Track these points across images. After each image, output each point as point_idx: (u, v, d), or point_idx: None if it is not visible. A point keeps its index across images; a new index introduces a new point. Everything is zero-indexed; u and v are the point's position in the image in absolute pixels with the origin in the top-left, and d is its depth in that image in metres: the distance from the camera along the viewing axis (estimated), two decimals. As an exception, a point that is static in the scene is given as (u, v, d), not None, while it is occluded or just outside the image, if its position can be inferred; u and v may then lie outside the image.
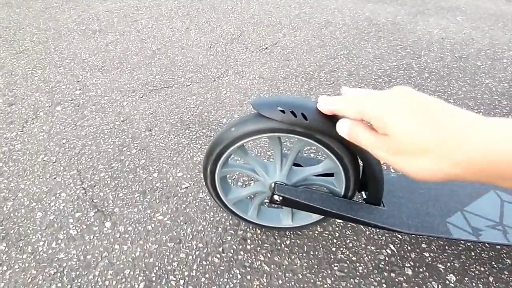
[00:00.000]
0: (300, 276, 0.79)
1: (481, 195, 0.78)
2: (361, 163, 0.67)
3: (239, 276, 0.79)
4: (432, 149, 0.30)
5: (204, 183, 1.02)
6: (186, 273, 0.81)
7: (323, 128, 0.61)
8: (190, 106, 1.39)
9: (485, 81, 1.52)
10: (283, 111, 0.61)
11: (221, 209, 0.91)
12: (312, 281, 0.78)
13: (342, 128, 0.40)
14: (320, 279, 0.79)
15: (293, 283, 0.78)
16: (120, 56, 1.78)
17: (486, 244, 0.85)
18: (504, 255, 0.82)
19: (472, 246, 0.84)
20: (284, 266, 0.81)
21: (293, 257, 0.83)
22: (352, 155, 0.67)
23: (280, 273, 0.80)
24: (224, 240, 0.87)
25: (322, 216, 0.79)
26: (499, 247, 0.84)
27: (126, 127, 1.28)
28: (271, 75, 1.58)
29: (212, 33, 2.00)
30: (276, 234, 0.88)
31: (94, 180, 1.06)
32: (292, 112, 0.61)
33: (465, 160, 0.29)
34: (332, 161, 0.67)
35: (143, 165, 1.11)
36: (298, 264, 0.82)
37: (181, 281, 0.79)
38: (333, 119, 0.63)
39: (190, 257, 0.84)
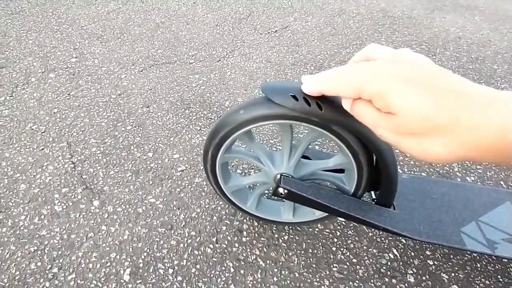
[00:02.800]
0: (297, 275, 0.74)
1: (497, 206, 0.73)
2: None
3: (232, 270, 0.75)
4: (442, 129, 0.28)
5: (202, 168, 0.97)
6: (176, 262, 0.75)
7: (339, 119, 0.55)
8: (192, 85, 1.31)
9: (501, 85, 1.46)
10: (296, 98, 0.55)
11: (218, 196, 0.86)
12: (309, 281, 0.74)
13: (346, 102, 0.36)
14: (317, 279, 0.74)
15: (288, 281, 0.73)
16: (121, 26, 1.68)
17: (493, 257, 0.81)
18: (511, 269, 0.78)
19: (478, 258, 0.80)
20: (281, 263, 0.76)
21: (290, 254, 0.78)
22: (368, 151, 0.61)
23: (275, 270, 0.75)
24: (219, 230, 0.82)
25: (325, 214, 0.74)
26: (505, 260, 0.80)
27: (122, 102, 1.20)
28: (279, 59, 1.50)
29: (220, 10, 1.90)
30: (274, 228, 0.83)
31: (84, 154, 1.00)
32: (306, 100, 0.55)
33: (479, 141, 0.26)
34: (346, 156, 0.62)
35: (138, 143, 1.05)
36: (296, 262, 0.77)
37: (170, 270, 0.74)
38: None
39: (182, 245, 0.79)
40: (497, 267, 0.79)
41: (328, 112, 0.54)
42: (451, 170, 1.03)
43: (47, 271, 0.73)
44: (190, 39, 1.61)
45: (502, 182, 1.01)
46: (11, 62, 1.37)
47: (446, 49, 1.70)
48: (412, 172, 1.01)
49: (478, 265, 0.79)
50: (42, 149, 1.01)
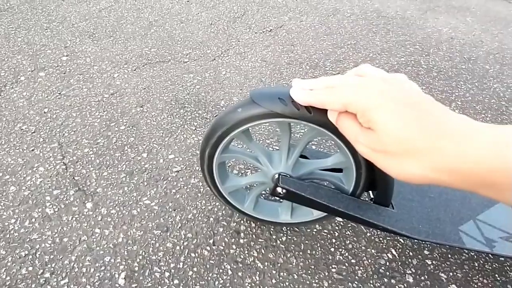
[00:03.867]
0: (296, 276, 0.74)
1: (494, 204, 0.74)
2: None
3: (229, 272, 0.73)
4: (417, 152, 0.29)
5: (199, 168, 0.95)
6: (172, 265, 0.74)
7: (328, 122, 0.54)
8: (186, 84, 1.29)
9: (493, 85, 1.48)
10: (284, 102, 0.54)
11: (215, 197, 0.84)
12: (308, 282, 0.73)
13: (331, 116, 0.38)
14: (316, 280, 0.73)
15: (287, 283, 0.72)
16: (113, 24, 1.65)
17: (490, 255, 0.81)
18: (508, 268, 0.79)
19: (475, 257, 0.80)
20: (279, 265, 0.75)
21: (288, 255, 0.77)
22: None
23: (274, 272, 0.74)
24: (216, 232, 0.81)
25: (324, 214, 0.73)
26: (502, 259, 0.81)
27: (115, 101, 1.18)
28: (274, 59, 1.50)
29: (214, 9, 1.88)
30: (272, 229, 0.82)
31: (76, 155, 0.97)
32: (294, 104, 0.54)
33: (450, 167, 0.28)
34: (344, 155, 0.61)
35: (132, 143, 1.02)
36: (294, 263, 0.76)
37: (166, 273, 0.72)
38: None
39: (178, 247, 0.77)
40: (494, 265, 0.79)
41: (317, 115, 0.53)
42: (446, 169, 1.04)
43: (38, 276, 0.70)
44: (184, 37, 1.59)
45: (496, 181, 1.02)
46: (-1, 61, 1.33)
47: (439, 49, 1.72)
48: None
49: (476, 264, 0.79)
50: (33, 150, 0.98)
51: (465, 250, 0.81)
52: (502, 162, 0.25)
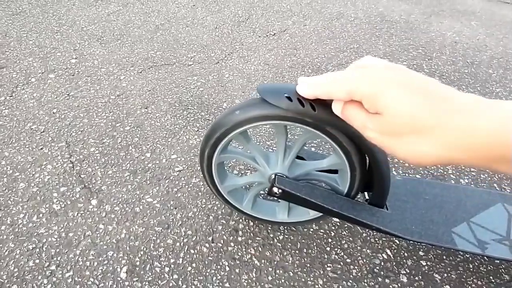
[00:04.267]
0: (291, 274, 0.76)
1: (488, 207, 0.75)
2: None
3: (227, 269, 0.76)
4: (429, 130, 0.28)
5: (199, 168, 0.98)
6: (172, 260, 0.76)
7: (332, 120, 0.56)
8: (190, 86, 1.33)
9: (496, 89, 1.48)
10: (290, 99, 0.56)
11: (215, 196, 0.87)
12: (303, 280, 0.75)
13: (337, 106, 0.38)
14: (311, 278, 0.75)
15: (283, 280, 0.74)
16: (121, 27, 1.69)
17: (485, 257, 0.82)
18: (503, 270, 0.80)
19: (470, 258, 0.81)
20: (275, 262, 0.78)
21: (285, 253, 0.79)
22: (360, 152, 0.62)
23: (270, 269, 0.76)
24: (215, 230, 0.83)
25: (320, 214, 0.75)
26: (497, 261, 0.82)
27: (121, 102, 1.22)
28: (277, 62, 1.52)
29: (219, 13, 1.92)
30: (269, 228, 0.84)
31: (83, 154, 1.01)
32: (300, 101, 0.56)
33: (462, 143, 0.27)
34: (339, 156, 0.63)
35: (136, 143, 1.06)
36: (290, 261, 0.78)
37: (166, 268, 0.75)
38: None
39: (178, 244, 0.80)
40: (489, 268, 0.80)
41: (321, 113, 0.55)
42: (445, 173, 1.04)
43: (45, 269, 0.73)
44: (189, 41, 1.63)
45: (495, 185, 1.02)
46: (11, 62, 1.39)
47: (443, 53, 1.72)
48: (406, 174, 1.02)
49: (471, 266, 0.80)
50: (41, 148, 1.02)
51: (459, 252, 0.82)
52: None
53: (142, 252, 0.78)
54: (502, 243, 0.66)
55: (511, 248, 0.66)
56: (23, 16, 1.74)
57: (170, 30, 1.71)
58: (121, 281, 0.72)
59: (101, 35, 1.62)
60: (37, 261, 0.75)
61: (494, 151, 0.26)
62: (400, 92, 0.29)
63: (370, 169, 0.64)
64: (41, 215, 0.84)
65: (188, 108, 1.21)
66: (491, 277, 0.78)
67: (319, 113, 0.56)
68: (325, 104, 0.57)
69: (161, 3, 1.97)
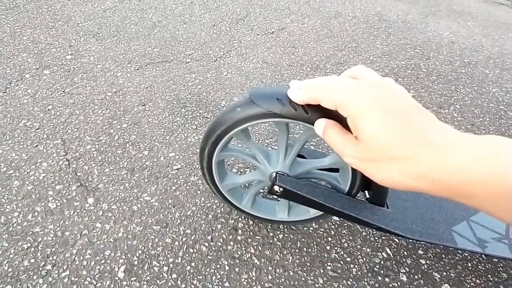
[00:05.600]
0: (291, 273, 0.75)
1: (488, 206, 0.75)
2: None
3: (227, 268, 0.75)
4: (402, 160, 0.30)
5: (199, 166, 0.97)
6: (170, 260, 0.75)
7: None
8: (188, 84, 1.31)
9: (492, 89, 1.49)
10: (282, 103, 0.56)
11: (214, 195, 0.86)
12: (303, 279, 0.74)
13: (318, 128, 0.39)
14: (311, 277, 0.75)
15: (283, 279, 0.74)
16: (117, 24, 1.67)
17: (483, 256, 0.83)
18: (501, 268, 0.80)
19: (469, 257, 0.82)
20: (275, 261, 0.77)
21: (285, 252, 0.79)
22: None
23: (270, 268, 0.76)
24: (214, 228, 0.82)
25: (320, 213, 0.75)
26: (495, 260, 0.82)
27: (118, 99, 1.20)
28: (275, 60, 1.51)
29: (217, 10, 1.90)
30: (269, 227, 0.84)
31: (79, 152, 0.99)
32: (292, 105, 0.55)
33: (429, 175, 0.28)
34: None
35: (134, 141, 1.04)
36: (290, 260, 0.77)
37: (165, 268, 0.74)
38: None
39: (177, 243, 0.79)
40: (487, 266, 0.80)
41: (314, 116, 0.54)
42: (443, 172, 1.05)
43: (40, 268, 0.72)
44: (187, 38, 1.61)
45: (492, 184, 1.03)
46: (4, 58, 1.36)
47: (440, 53, 1.73)
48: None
49: (469, 265, 0.80)
50: (36, 146, 1.00)
51: (458, 250, 0.82)
52: (480, 174, 0.26)
53: (140, 251, 0.77)
54: (502, 241, 0.67)
55: (510, 246, 0.66)
56: (17, 11, 1.71)
57: (168, 27, 1.69)
58: (119, 281, 0.71)
59: (97, 31, 1.60)
60: (32, 260, 0.74)
61: (460, 188, 0.27)
62: (381, 119, 0.30)
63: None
64: (36, 213, 0.82)
65: (186, 106, 1.20)
66: (489, 276, 0.78)
67: (311, 116, 0.55)
68: (318, 107, 0.56)
69: (158, 0, 1.95)
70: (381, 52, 1.68)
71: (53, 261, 0.74)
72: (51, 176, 0.91)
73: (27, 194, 0.86)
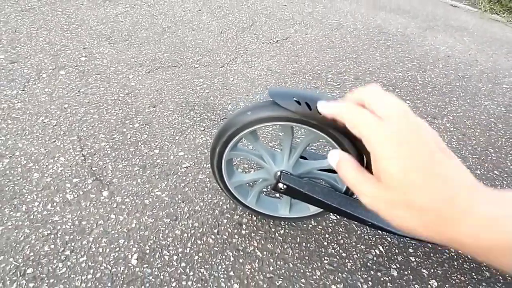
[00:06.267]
0: (291, 265, 0.81)
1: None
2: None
3: (232, 259, 0.81)
4: (420, 211, 0.28)
5: (206, 165, 1.03)
6: (180, 250, 0.82)
7: (336, 123, 0.63)
8: (196, 88, 1.39)
9: (484, 102, 1.57)
10: (298, 103, 0.63)
11: (222, 191, 0.92)
12: (302, 271, 0.81)
13: (332, 160, 0.37)
14: (309, 270, 0.81)
15: (283, 270, 0.80)
16: (129, 28, 1.75)
17: (468, 256, 0.89)
18: (484, 267, 0.87)
19: (455, 256, 0.88)
20: (276, 254, 0.83)
21: (285, 246, 0.85)
22: (359, 154, 0.69)
23: (271, 260, 0.82)
24: (220, 223, 0.89)
25: (319, 211, 0.81)
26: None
27: (130, 100, 1.27)
28: (279, 68, 1.59)
29: (224, 18, 1.99)
30: (271, 223, 0.90)
31: (94, 148, 1.06)
32: (307, 104, 0.63)
33: (452, 235, 0.28)
34: (339, 157, 0.69)
35: (145, 140, 1.11)
36: (290, 254, 0.84)
37: (175, 257, 0.80)
38: None
39: (185, 234, 0.85)
40: (472, 265, 0.87)
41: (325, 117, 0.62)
42: (434, 178, 1.12)
43: (60, 253, 0.78)
44: (195, 44, 1.69)
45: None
46: (22, 58, 1.43)
47: (436, 66, 1.82)
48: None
49: (455, 263, 0.87)
50: (54, 141, 1.06)
51: (445, 249, 0.89)
52: (496, 243, 0.25)
53: (151, 241, 0.83)
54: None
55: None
56: (33, 13, 1.78)
57: (177, 33, 1.77)
58: (132, 267, 0.77)
59: (110, 35, 1.67)
60: (52, 246, 0.80)
61: (475, 250, 0.27)
62: (405, 162, 0.29)
63: (368, 168, 0.70)
64: (55, 203, 0.89)
65: (194, 109, 1.27)
66: (473, 274, 0.85)
67: (324, 117, 0.62)
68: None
69: (168, 6, 2.03)
70: (380, 64, 1.77)
71: (72, 247, 0.80)
72: (68, 170, 0.98)
73: (46, 186, 0.93)
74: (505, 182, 1.15)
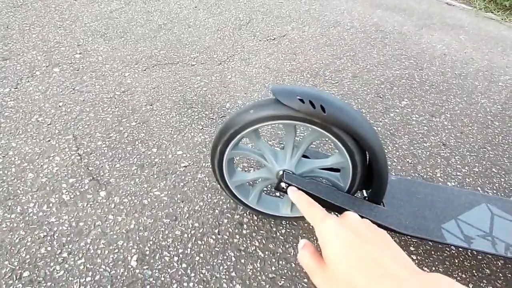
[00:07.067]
0: (293, 265, 0.81)
1: (474, 206, 0.82)
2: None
3: (233, 259, 0.80)
4: None
5: (205, 164, 1.02)
6: (180, 250, 0.80)
7: (340, 120, 0.62)
8: (194, 86, 1.37)
9: (481, 100, 1.58)
10: (302, 101, 0.62)
11: (221, 191, 0.91)
12: (304, 270, 0.80)
13: (299, 245, 0.40)
14: (312, 269, 0.80)
15: (285, 270, 0.79)
16: (124, 25, 1.72)
17: (469, 253, 0.89)
18: (484, 265, 0.87)
19: (456, 254, 0.88)
20: (278, 254, 0.82)
21: (287, 246, 0.84)
22: (362, 152, 0.68)
23: (273, 260, 0.81)
24: (221, 223, 0.88)
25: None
26: (480, 257, 0.89)
27: (126, 98, 1.25)
28: (277, 66, 1.58)
29: (220, 15, 1.96)
30: (272, 222, 0.89)
31: (90, 147, 1.03)
32: (311, 103, 0.62)
33: None
34: (343, 156, 0.68)
35: (142, 138, 1.09)
36: (292, 253, 0.83)
37: (175, 258, 0.79)
38: (350, 114, 0.65)
39: (186, 235, 0.84)
40: (472, 263, 0.87)
41: (330, 114, 0.61)
42: (434, 176, 1.12)
43: (57, 256, 0.76)
44: (192, 42, 1.67)
45: (479, 188, 1.10)
46: (14, 55, 1.39)
47: (433, 64, 1.82)
48: (398, 175, 1.09)
49: (456, 261, 0.87)
50: (49, 140, 1.04)
51: (446, 247, 0.89)
52: None
53: (151, 242, 0.81)
54: (486, 238, 0.73)
55: (493, 243, 0.73)
56: (25, 9, 1.74)
57: (173, 30, 1.74)
58: (132, 269, 0.76)
59: (105, 31, 1.64)
60: (49, 248, 0.78)
61: None
62: (340, 246, 0.32)
63: (370, 167, 0.69)
64: (51, 204, 0.86)
65: (192, 107, 1.25)
66: (474, 271, 0.85)
67: (328, 115, 0.62)
68: (334, 106, 0.63)
69: (164, 3, 2.00)
70: (377, 62, 1.76)
71: (69, 249, 0.78)
72: (64, 170, 0.96)
73: (42, 186, 0.90)
74: (502, 180, 1.16)
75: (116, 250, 0.79)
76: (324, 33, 1.96)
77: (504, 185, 1.14)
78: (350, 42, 1.91)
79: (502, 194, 1.10)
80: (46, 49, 1.45)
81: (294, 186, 0.70)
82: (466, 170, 1.17)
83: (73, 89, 1.25)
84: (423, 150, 1.23)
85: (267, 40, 1.79)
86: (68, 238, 0.80)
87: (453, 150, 1.25)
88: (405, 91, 1.56)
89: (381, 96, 1.50)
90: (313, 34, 1.93)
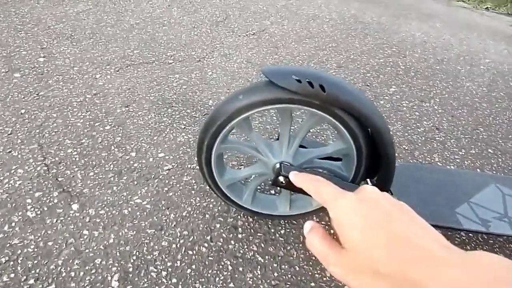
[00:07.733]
0: (297, 268, 0.72)
1: (483, 188, 0.77)
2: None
3: (230, 268, 0.71)
4: (388, 276, 0.27)
5: (191, 166, 0.93)
6: (169, 264, 0.70)
7: (342, 99, 0.55)
8: (172, 84, 1.27)
9: (466, 84, 1.57)
10: (299, 81, 0.54)
11: (212, 192, 0.82)
12: (310, 273, 0.72)
13: (305, 230, 0.36)
14: (318, 271, 0.72)
15: (289, 275, 0.71)
16: (93, 26, 1.60)
17: (480, 238, 0.84)
18: (498, 250, 0.82)
19: (467, 240, 0.83)
20: (280, 257, 0.74)
21: (288, 247, 0.76)
22: (367, 135, 0.61)
23: (275, 265, 0.72)
24: (213, 228, 0.78)
25: (321, 205, 0.73)
26: (491, 241, 0.84)
27: (99, 101, 1.13)
28: (259, 60, 1.50)
29: (196, 13, 1.88)
30: (270, 223, 0.81)
31: (59, 156, 0.92)
32: (309, 83, 0.54)
33: None
34: (345, 140, 0.61)
35: (119, 143, 0.98)
36: (295, 255, 0.75)
37: (163, 273, 0.69)
38: (351, 92, 0.58)
39: (174, 245, 0.74)
40: (485, 248, 0.82)
41: (331, 94, 0.54)
42: (432, 161, 1.07)
43: (22, 283, 0.64)
44: (167, 40, 1.57)
45: (478, 170, 1.07)
46: (-32, 62, 1.25)
47: (415, 52, 1.81)
48: (399, 162, 1.04)
49: (468, 247, 0.81)
50: (10, 151, 0.91)
51: (456, 233, 0.83)
52: None
53: (134, 257, 0.71)
54: (503, 220, 0.68)
55: (510, 224, 0.67)
56: (-20, 14, 1.59)
57: (146, 29, 1.64)
58: (113, 290, 0.65)
59: (71, 33, 1.51)
60: (12, 275, 0.66)
61: None
62: (366, 228, 0.28)
63: (377, 151, 0.63)
64: (13, 224, 0.74)
65: (172, 106, 1.15)
66: (488, 257, 0.80)
67: (328, 95, 0.54)
68: (334, 85, 0.55)
69: (135, 3, 1.90)
70: (360, 51, 1.73)
71: (36, 275, 0.66)
72: (29, 183, 0.83)
73: (2, 204, 0.78)
74: (500, 160, 1.13)
75: (94, 271, 0.68)
76: (304, 26, 1.91)
77: (503, 165, 1.10)
78: (331, 34, 1.87)
79: (503, 175, 1.06)
80: (5, 54, 1.32)
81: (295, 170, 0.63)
82: (463, 153, 1.13)
83: (37, 94, 1.13)
84: (418, 136, 1.18)
85: (247, 35, 1.72)
86: (35, 262, 0.68)
87: (447, 133, 1.21)
88: (392, 78, 1.52)
89: (369, 84, 1.45)
90: (293, 27, 1.88)
